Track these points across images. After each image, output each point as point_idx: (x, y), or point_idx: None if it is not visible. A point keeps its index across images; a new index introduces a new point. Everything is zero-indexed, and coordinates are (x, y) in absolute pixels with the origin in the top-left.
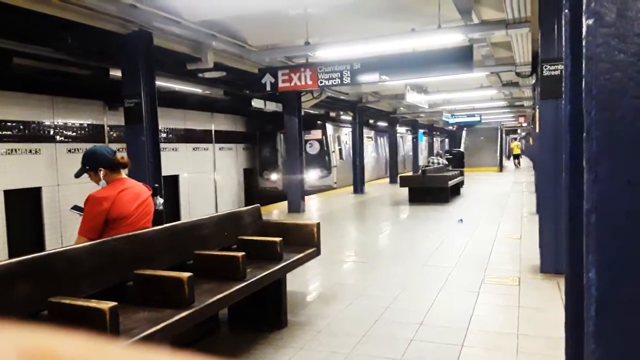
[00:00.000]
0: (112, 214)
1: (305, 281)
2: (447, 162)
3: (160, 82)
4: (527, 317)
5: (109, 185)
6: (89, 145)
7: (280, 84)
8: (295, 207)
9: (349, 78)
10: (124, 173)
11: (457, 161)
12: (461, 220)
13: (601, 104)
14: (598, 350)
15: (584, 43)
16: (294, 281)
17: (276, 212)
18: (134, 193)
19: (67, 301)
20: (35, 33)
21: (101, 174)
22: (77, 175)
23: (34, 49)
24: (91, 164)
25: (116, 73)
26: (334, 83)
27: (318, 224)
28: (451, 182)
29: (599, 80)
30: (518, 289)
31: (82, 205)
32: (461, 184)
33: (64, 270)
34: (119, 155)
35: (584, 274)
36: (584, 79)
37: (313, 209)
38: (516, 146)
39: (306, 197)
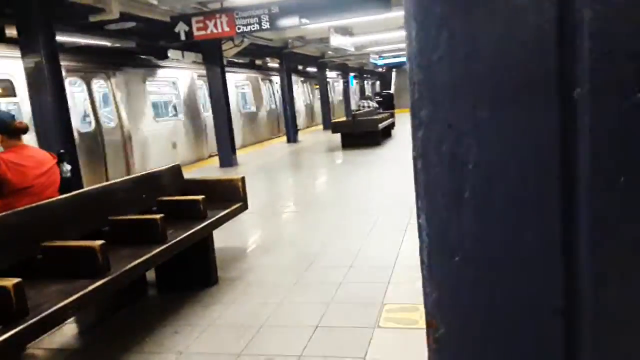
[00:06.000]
0: (13, 182)
1: (237, 236)
2: (377, 105)
3: (61, 38)
4: None
5: (8, 151)
6: None
7: (196, 32)
8: (227, 162)
9: (268, 23)
10: (23, 139)
11: (388, 103)
12: None
13: (419, 49)
14: (434, 293)
15: None
16: (225, 237)
17: (207, 167)
18: (36, 161)
19: None
20: None
21: None
22: None
23: None
24: None
25: (12, 31)
26: (253, 29)
27: (243, 178)
28: (381, 125)
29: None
30: None
31: None
32: (392, 126)
33: None
34: (17, 120)
35: (416, 221)
36: None
37: (246, 162)
38: None
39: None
